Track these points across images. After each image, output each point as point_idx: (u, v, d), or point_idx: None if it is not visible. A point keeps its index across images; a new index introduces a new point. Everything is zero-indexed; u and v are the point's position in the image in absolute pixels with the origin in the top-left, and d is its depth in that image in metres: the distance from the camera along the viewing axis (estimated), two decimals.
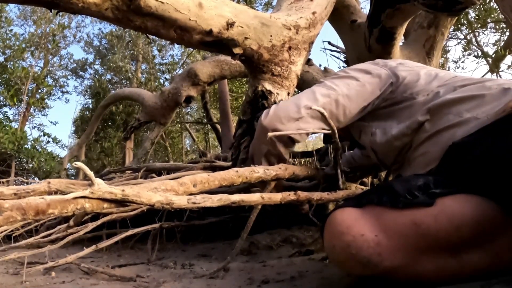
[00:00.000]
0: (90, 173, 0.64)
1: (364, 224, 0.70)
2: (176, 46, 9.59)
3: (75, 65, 10.81)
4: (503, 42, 5.09)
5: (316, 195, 1.03)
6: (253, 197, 0.90)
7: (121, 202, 0.68)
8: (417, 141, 0.97)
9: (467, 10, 4.66)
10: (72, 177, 6.47)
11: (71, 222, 1.65)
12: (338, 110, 1.06)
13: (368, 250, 0.67)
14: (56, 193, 0.66)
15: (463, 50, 5.80)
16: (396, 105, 1.05)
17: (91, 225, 1.65)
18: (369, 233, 0.69)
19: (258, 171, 1.00)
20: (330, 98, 1.06)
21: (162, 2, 1.18)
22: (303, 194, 0.98)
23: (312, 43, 1.61)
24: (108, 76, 9.79)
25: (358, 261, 0.68)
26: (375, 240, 0.68)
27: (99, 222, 1.68)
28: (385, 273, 0.68)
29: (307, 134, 1.08)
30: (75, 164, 0.64)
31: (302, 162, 2.09)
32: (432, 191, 0.70)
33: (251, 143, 1.20)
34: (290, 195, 0.96)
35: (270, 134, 1.03)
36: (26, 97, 7.34)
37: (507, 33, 5.06)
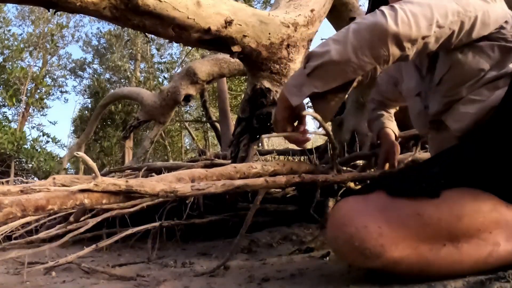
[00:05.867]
0: (93, 165, 0.63)
1: (367, 215, 0.70)
2: (175, 44, 9.58)
3: (73, 64, 10.82)
4: None
5: (321, 177, 1.01)
6: (257, 181, 0.88)
7: (125, 193, 0.68)
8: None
9: None
10: None
11: (71, 219, 1.65)
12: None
13: (371, 242, 0.67)
14: None
15: None
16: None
17: (91, 222, 1.65)
18: (372, 225, 0.68)
19: (256, 167, 1.00)
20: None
21: (160, 1, 1.18)
22: (307, 177, 0.97)
23: (310, 40, 1.61)
24: (107, 76, 9.79)
25: (361, 253, 0.68)
26: (378, 232, 0.67)
27: (99, 218, 1.68)
28: (388, 264, 0.68)
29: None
30: (77, 153, 0.62)
31: (301, 160, 2.10)
32: (437, 182, 0.70)
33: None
34: (294, 178, 0.94)
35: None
36: (25, 97, 7.33)
37: None
